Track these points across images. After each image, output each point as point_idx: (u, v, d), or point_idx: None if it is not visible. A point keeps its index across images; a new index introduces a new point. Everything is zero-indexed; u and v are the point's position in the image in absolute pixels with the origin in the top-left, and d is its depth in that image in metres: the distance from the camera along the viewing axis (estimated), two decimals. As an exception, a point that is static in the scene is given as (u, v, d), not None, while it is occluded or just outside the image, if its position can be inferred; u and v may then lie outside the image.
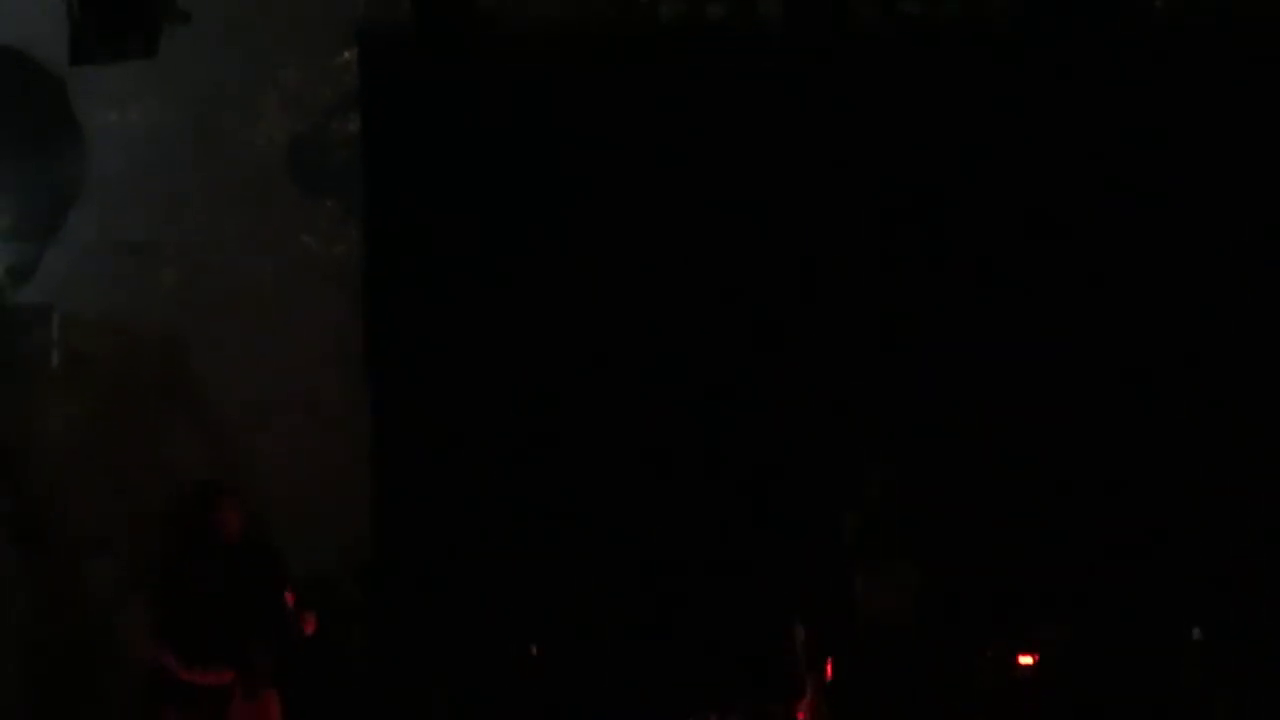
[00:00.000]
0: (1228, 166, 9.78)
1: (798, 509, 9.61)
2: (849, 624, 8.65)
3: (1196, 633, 9.32)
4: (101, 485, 9.61)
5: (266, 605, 8.06)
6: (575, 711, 9.24)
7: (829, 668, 8.56)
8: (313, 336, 9.85)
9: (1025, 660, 9.00)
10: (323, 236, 9.98)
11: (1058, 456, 9.77)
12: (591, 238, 9.86)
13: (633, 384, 9.85)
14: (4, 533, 9.55)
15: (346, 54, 9.95)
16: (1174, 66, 9.80)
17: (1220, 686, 9.16)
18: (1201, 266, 9.78)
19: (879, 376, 9.84)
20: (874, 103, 9.79)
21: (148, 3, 8.96)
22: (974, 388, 9.81)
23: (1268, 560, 9.58)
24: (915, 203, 9.84)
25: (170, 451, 9.72)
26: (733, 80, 9.82)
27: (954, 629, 8.81)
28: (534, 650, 9.15)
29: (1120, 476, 9.73)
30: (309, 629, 8.09)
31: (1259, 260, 9.80)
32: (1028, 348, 9.82)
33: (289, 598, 8.09)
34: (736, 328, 9.86)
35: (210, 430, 9.80)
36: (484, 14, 9.57)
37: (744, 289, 9.87)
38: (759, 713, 8.87)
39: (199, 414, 9.82)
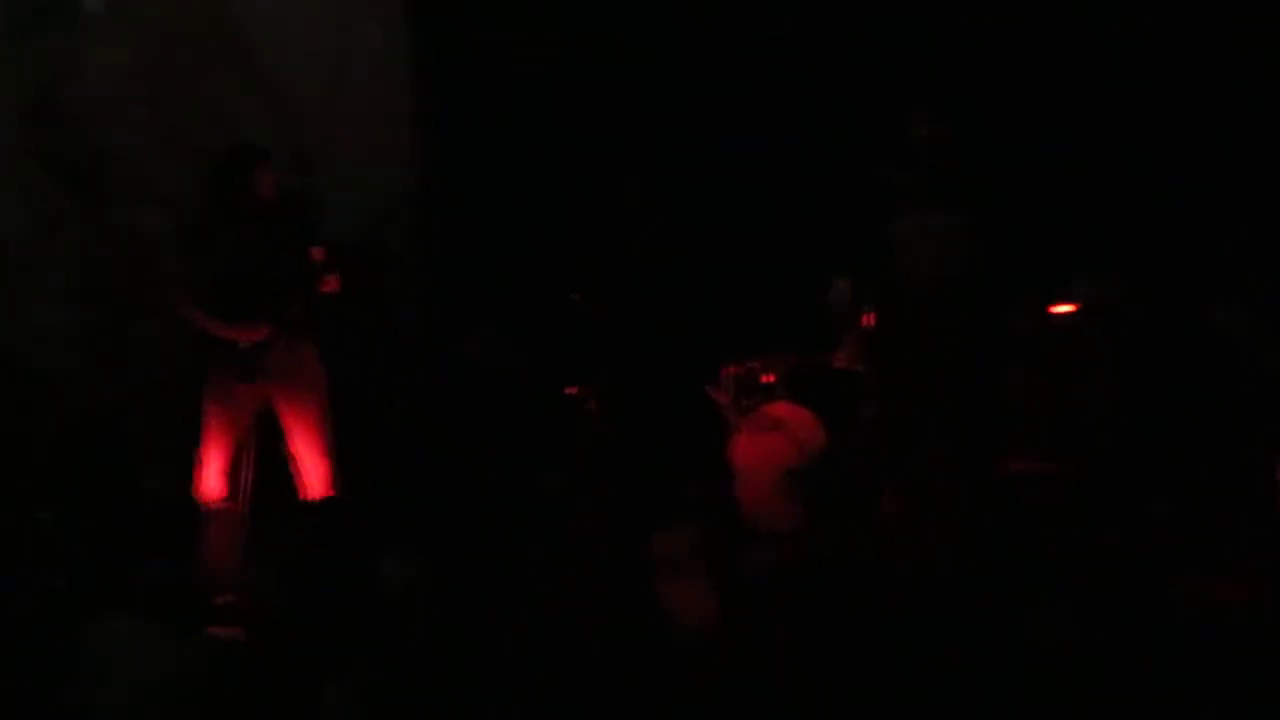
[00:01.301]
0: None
1: (842, 161, 9.49)
2: (890, 275, 8.69)
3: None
4: (149, 130, 9.62)
5: (299, 260, 8.12)
6: (613, 360, 9.31)
7: (868, 318, 8.63)
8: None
9: (1063, 309, 8.97)
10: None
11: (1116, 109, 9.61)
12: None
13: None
14: (53, 174, 9.61)
15: None
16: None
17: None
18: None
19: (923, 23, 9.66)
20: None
21: None
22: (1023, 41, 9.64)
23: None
24: None
25: (216, 96, 9.72)
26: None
27: (995, 280, 8.82)
28: (575, 297, 9.17)
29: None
30: (328, 288, 8.15)
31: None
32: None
33: (317, 253, 8.13)
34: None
35: (255, 76, 9.78)
36: None
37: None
38: (800, 362, 8.95)
39: (243, 59, 9.78)
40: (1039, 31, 9.59)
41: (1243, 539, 8.22)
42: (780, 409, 8.76)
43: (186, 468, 8.13)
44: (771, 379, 8.88)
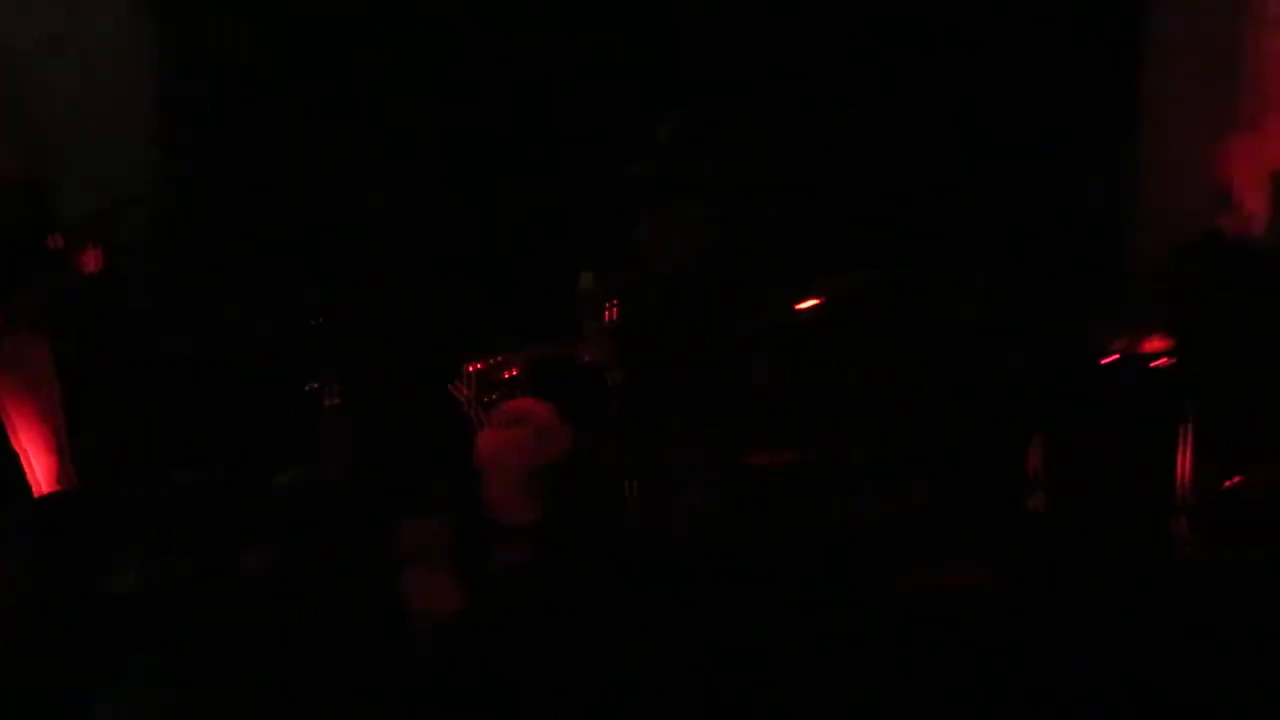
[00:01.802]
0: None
1: (586, 157, 9.52)
2: (634, 270, 8.70)
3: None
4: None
5: (30, 249, 7.89)
6: (353, 355, 9.19)
7: (611, 311, 8.61)
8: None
9: (808, 304, 9.02)
10: None
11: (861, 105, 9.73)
12: None
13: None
14: None
15: None
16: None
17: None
18: None
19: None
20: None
21: None
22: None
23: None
24: None
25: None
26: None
27: (741, 276, 8.86)
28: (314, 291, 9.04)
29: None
30: (91, 265, 7.93)
31: None
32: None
33: (57, 240, 7.91)
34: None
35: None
36: None
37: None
38: (543, 356, 8.92)
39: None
40: (788, 29, 9.68)
41: (990, 529, 8.39)
42: (523, 404, 8.77)
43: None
44: (514, 374, 8.83)
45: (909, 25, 9.67)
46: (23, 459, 7.97)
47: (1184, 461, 8.35)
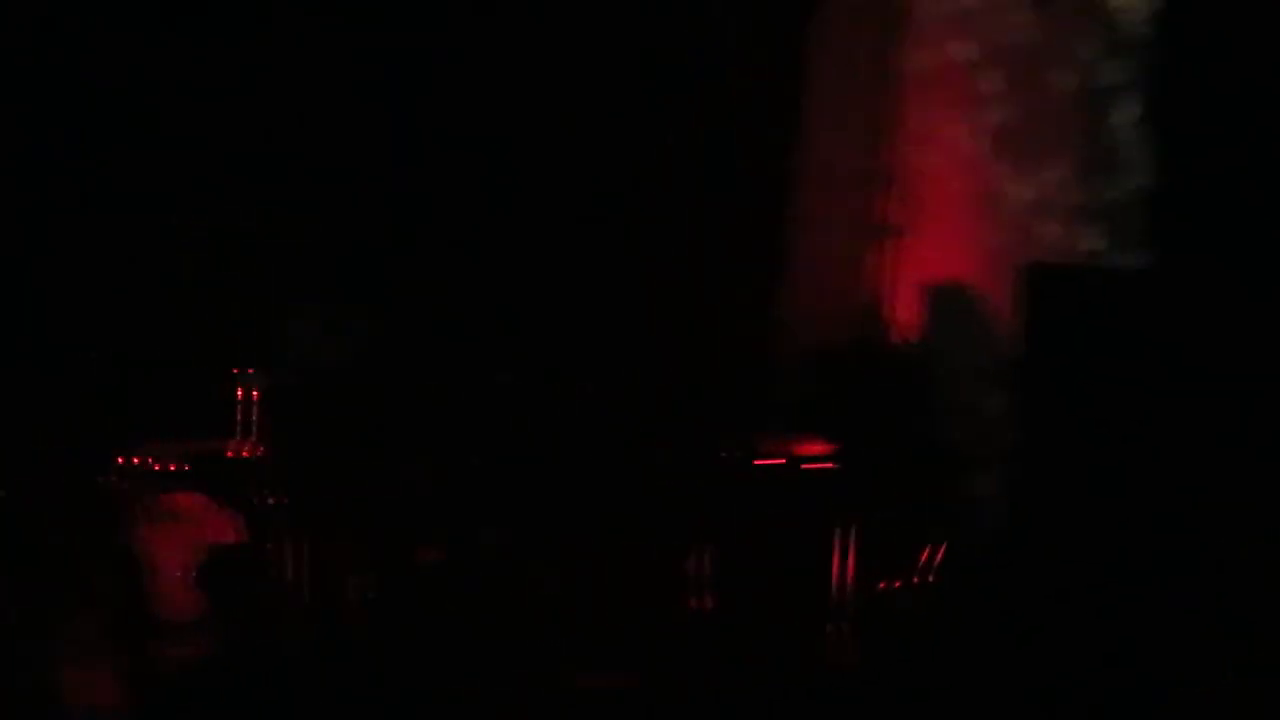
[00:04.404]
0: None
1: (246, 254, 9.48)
2: (286, 365, 8.64)
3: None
4: None
5: None
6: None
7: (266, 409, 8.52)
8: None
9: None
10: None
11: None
12: None
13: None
14: None
15: None
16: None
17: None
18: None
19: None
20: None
21: None
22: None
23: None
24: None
25: None
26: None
27: (397, 374, 8.83)
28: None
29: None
30: None
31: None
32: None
33: None
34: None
35: None
36: None
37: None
38: (200, 449, 8.73)
39: None
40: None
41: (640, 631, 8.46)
42: (181, 498, 8.56)
43: None
44: (171, 468, 8.61)
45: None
46: None
47: (841, 566, 8.54)
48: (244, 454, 8.53)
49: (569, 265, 9.82)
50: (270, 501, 8.38)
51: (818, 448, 8.81)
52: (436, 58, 9.71)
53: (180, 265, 9.56)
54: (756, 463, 8.79)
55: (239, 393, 8.52)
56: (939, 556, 8.79)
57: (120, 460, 8.52)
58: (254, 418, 8.50)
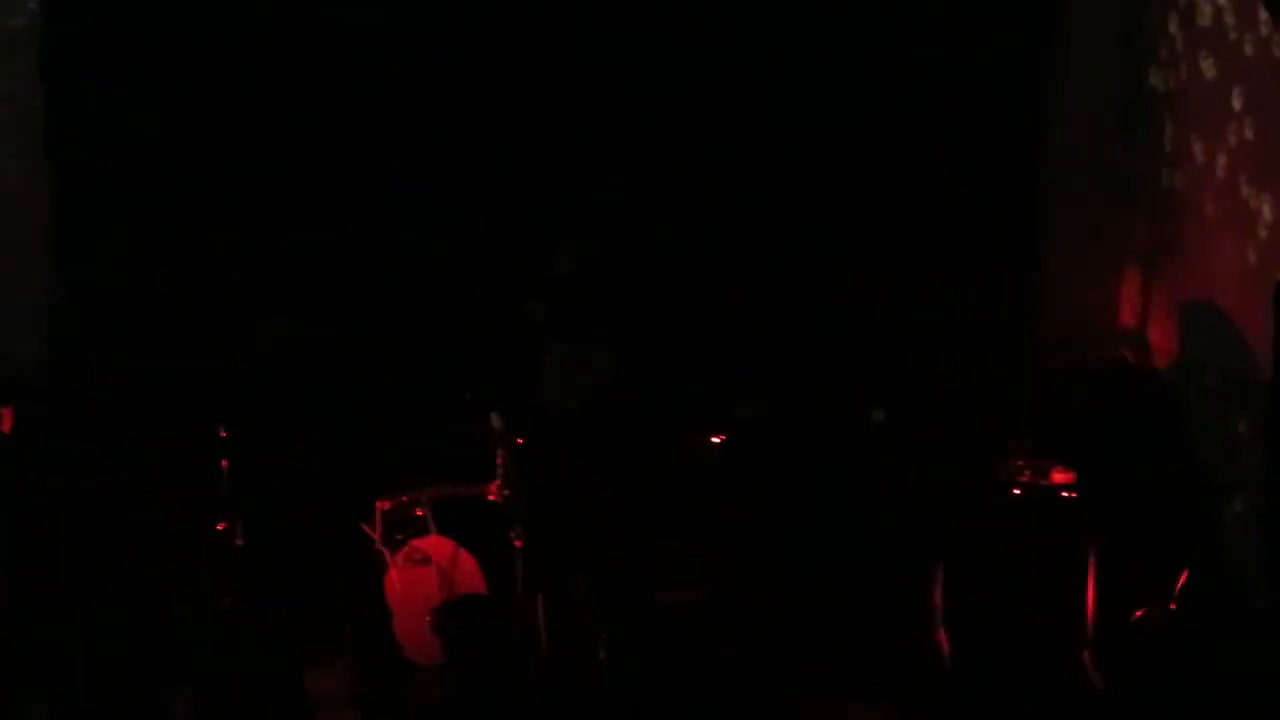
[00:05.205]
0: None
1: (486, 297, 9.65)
2: (536, 409, 8.79)
3: (878, 415, 9.53)
4: None
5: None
6: (263, 494, 9.21)
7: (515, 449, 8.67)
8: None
9: (715, 440, 9.12)
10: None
11: (748, 244, 9.82)
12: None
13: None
14: None
15: None
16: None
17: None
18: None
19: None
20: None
21: None
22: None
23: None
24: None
25: None
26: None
27: (645, 410, 8.93)
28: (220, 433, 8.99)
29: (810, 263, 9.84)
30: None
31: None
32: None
33: None
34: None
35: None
36: None
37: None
38: (451, 493, 8.93)
39: None
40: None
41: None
42: (429, 543, 8.79)
43: None
44: (422, 512, 8.83)
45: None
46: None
47: (1088, 594, 8.41)
48: (490, 496, 8.75)
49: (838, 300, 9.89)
50: (516, 544, 8.55)
51: (1069, 471, 8.72)
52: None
53: (428, 312, 9.82)
54: (1010, 488, 8.75)
55: (485, 436, 8.70)
56: (1189, 580, 8.59)
57: (378, 505, 8.79)
58: (499, 461, 8.67)
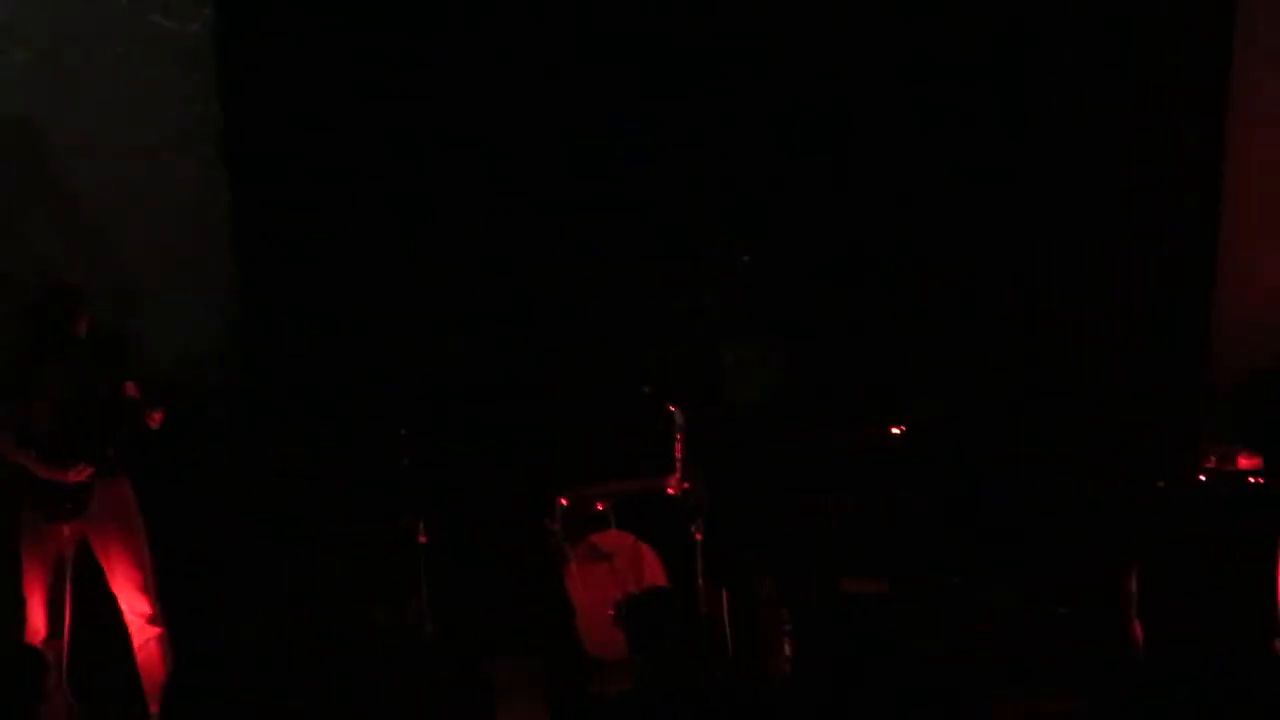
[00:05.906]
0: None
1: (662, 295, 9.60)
2: (714, 403, 8.75)
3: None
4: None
5: (114, 399, 8.02)
6: (445, 491, 9.19)
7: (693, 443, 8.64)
8: (168, 119, 9.63)
9: (894, 430, 9.04)
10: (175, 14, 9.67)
11: (924, 239, 9.71)
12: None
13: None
14: None
15: None
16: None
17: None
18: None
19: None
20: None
21: None
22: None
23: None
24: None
25: (29, 238, 9.53)
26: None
27: (818, 406, 8.89)
28: (401, 431, 9.03)
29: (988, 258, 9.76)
30: (154, 423, 8.04)
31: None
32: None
33: (131, 389, 8.05)
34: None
35: (69, 217, 9.60)
36: None
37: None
38: (631, 489, 8.92)
39: (57, 199, 9.61)
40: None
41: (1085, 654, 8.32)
42: (610, 537, 8.78)
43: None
44: (602, 507, 8.83)
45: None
46: (119, 602, 8.02)
47: (1278, 582, 8.28)
48: (669, 490, 8.71)
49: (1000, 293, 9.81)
50: (697, 538, 8.51)
51: (1255, 461, 8.59)
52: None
53: (607, 308, 9.81)
54: (1197, 474, 8.64)
55: (665, 430, 8.64)
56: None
57: (559, 501, 8.80)
58: (679, 454, 8.61)
